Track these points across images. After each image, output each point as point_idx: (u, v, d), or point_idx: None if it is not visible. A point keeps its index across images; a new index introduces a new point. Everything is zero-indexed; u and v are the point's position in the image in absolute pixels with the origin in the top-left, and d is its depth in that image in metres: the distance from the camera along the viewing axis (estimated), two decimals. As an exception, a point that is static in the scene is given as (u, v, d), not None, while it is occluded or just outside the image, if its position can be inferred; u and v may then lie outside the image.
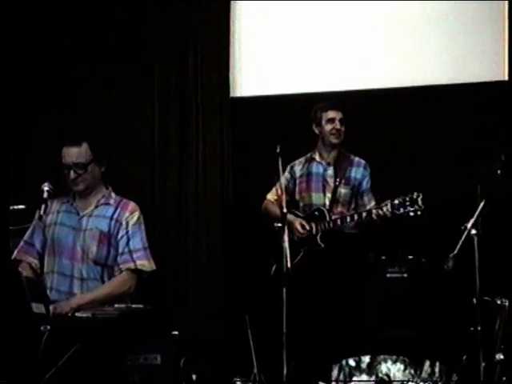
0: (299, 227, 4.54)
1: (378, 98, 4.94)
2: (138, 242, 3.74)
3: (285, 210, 3.81)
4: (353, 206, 4.63)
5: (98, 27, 5.20)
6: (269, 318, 4.13)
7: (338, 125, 4.61)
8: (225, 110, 5.12)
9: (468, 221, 3.61)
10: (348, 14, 5.07)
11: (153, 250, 3.87)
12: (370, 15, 5.00)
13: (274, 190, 4.66)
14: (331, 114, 4.62)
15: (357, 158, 4.68)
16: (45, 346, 2.84)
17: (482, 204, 3.63)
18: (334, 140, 4.62)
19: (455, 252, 3.56)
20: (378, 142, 4.88)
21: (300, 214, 4.65)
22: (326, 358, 3.95)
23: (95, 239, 3.71)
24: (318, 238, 4.48)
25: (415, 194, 4.27)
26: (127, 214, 3.75)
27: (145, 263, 3.72)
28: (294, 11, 5.11)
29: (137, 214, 3.77)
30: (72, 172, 3.64)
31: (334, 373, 3.68)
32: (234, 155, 5.11)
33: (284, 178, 4.62)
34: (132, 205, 3.80)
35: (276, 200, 4.61)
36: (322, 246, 4.48)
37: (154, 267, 3.76)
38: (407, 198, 4.28)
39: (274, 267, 4.51)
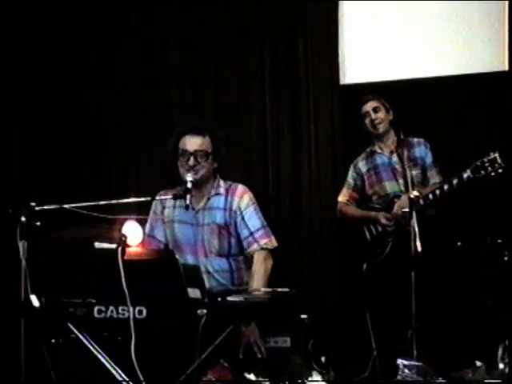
0: (384, 220, 4.60)
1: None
2: (256, 221, 3.75)
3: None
4: (424, 186, 4.64)
5: (207, 15, 5.31)
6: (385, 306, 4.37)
7: (372, 115, 4.70)
8: (335, 97, 5.15)
9: None
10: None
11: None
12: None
13: (343, 191, 4.80)
14: (364, 108, 4.73)
15: (415, 139, 4.70)
16: (202, 328, 2.90)
17: None
18: (376, 131, 4.72)
19: None
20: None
21: (377, 206, 4.70)
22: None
23: (215, 233, 3.73)
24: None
25: (492, 154, 4.28)
26: (237, 199, 3.74)
27: (266, 241, 3.72)
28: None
29: (246, 196, 3.77)
30: (192, 158, 3.64)
31: (499, 352, 3.77)
32: (346, 143, 5.13)
33: (350, 177, 4.78)
34: (240, 188, 3.79)
35: (348, 200, 4.77)
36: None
37: (276, 244, 3.77)
38: (485, 160, 4.29)
39: (364, 265, 4.55)
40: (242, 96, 5.34)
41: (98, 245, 3.07)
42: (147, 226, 3.86)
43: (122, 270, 2.96)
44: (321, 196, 5.17)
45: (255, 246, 3.70)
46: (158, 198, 3.68)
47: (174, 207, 3.80)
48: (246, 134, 5.36)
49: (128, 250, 3.05)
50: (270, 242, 3.75)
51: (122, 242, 3.05)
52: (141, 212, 3.68)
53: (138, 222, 3.29)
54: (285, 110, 5.27)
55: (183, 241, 3.77)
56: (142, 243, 3.52)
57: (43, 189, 4.62)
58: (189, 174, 3.63)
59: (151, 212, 3.86)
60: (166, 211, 3.80)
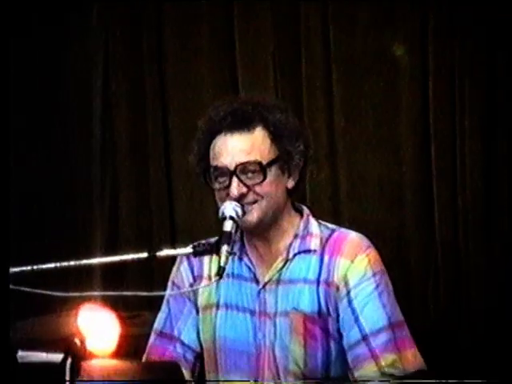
0: None
1: None
2: (376, 313, 3.26)
3: None
4: None
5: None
6: None
7: None
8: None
9: None
10: None
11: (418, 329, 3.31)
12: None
13: None
14: None
15: None
16: None
17: None
18: None
19: None
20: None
21: None
22: None
23: (298, 333, 3.32)
24: None
25: None
26: (343, 263, 3.28)
27: (394, 358, 3.24)
28: None
29: (363, 258, 3.27)
30: (235, 181, 3.21)
31: None
32: None
33: None
34: (351, 240, 3.31)
35: None
36: None
37: (421, 365, 3.28)
38: None
39: None
40: (381, 73, 4.86)
41: (23, 356, 2.85)
42: (160, 315, 3.44)
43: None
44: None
45: (371, 365, 3.24)
46: (161, 254, 3.18)
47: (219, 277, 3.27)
48: (389, 136, 4.91)
49: (88, 364, 2.80)
50: (407, 360, 3.26)
51: (75, 349, 2.78)
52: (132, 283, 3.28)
53: (114, 309, 3.13)
54: (474, 93, 4.79)
55: (233, 346, 3.36)
56: (150, 349, 3.40)
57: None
58: (227, 203, 3.19)
59: (170, 285, 3.47)
60: (204, 284, 3.40)
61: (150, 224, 5.26)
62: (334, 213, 4.80)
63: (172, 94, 5.28)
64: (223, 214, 3.14)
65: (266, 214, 3.24)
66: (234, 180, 3.19)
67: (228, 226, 3.11)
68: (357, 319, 3.25)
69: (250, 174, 3.21)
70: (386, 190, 4.96)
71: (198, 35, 5.28)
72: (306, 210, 3.35)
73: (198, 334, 3.40)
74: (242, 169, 3.20)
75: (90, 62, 5.47)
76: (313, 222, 3.33)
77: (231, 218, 3.14)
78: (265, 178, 3.19)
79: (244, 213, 3.23)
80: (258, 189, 3.21)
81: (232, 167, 3.19)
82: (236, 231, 3.16)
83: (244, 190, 3.20)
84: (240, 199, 3.19)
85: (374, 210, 4.80)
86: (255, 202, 3.22)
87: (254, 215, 3.22)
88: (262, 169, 3.20)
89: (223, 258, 3.05)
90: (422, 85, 4.96)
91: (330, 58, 5.08)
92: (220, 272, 3.04)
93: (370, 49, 5.03)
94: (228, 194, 3.20)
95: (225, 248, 3.06)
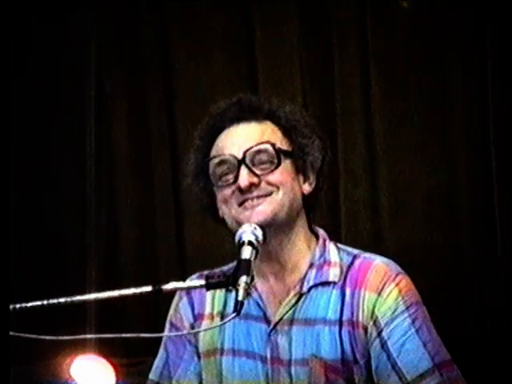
0: None
1: None
2: (417, 354, 2.96)
3: None
4: None
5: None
6: None
7: None
8: None
9: None
10: None
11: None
12: None
13: None
14: None
15: None
16: None
17: None
18: None
19: None
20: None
21: None
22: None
23: (319, 382, 3.04)
24: None
25: None
26: (369, 297, 3.01)
27: None
28: None
29: (393, 289, 2.98)
30: (245, 170, 2.98)
31: None
32: None
33: None
34: (376, 268, 3.01)
35: None
36: None
37: None
38: None
39: None
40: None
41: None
42: (156, 363, 3.17)
43: None
44: None
45: None
46: (168, 287, 2.87)
47: (222, 315, 3.10)
48: (439, 141, 4.50)
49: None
50: None
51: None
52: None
53: (112, 355, 3.14)
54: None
55: None
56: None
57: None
58: (245, 226, 2.91)
59: (167, 326, 3.18)
60: (204, 327, 3.13)
61: (155, 252, 4.88)
62: (374, 235, 4.42)
63: (180, 98, 4.83)
64: (241, 238, 2.87)
65: (281, 207, 2.98)
66: (243, 169, 2.96)
67: (247, 252, 2.85)
68: (394, 365, 2.96)
69: (261, 165, 2.99)
70: (437, 207, 4.55)
71: (209, 30, 4.79)
72: (322, 234, 3.10)
73: (199, 382, 3.17)
74: (252, 157, 2.98)
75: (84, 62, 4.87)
76: (331, 248, 3.09)
77: (250, 243, 2.88)
78: (279, 163, 2.97)
79: (265, 238, 2.92)
80: (271, 178, 2.97)
81: (240, 155, 2.98)
82: (255, 259, 2.88)
83: (255, 179, 2.95)
84: (250, 190, 2.95)
85: (423, 230, 4.38)
86: (269, 194, 2.99)
87: (267, 207, 2.98)
88: (275, 153, 2.99)
89: (241, 292, 2.74)
90: (478, 80, 4.58)
91: (367, 51, 4.71)
92: (238, 308, 2.74)
93: (414, 40, 4.64)
94: (234, 191, 2.94)
95: (243, 279, 2.77)
